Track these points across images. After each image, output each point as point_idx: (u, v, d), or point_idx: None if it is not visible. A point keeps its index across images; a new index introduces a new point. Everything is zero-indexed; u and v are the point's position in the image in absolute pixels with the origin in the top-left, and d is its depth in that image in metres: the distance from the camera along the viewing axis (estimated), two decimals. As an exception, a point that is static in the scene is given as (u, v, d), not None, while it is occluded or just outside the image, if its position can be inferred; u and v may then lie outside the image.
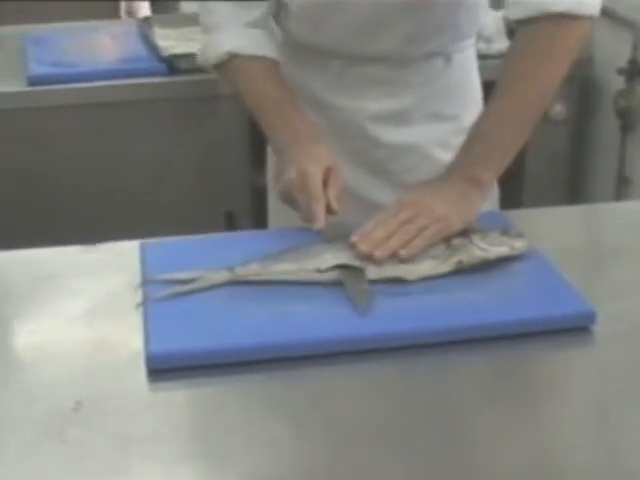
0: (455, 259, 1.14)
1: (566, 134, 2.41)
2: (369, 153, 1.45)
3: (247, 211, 2.27)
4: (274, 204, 1.60)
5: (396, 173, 1.45)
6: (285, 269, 1.13)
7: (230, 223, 2.23)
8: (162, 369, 1.00)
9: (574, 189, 2.51)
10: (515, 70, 1.28)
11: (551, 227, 1.34)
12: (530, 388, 1.01)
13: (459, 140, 1.33)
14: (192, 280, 1.12)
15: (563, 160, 2.46)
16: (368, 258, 1.13)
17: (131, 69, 2.16)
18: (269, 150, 1.58)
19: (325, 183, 1.24)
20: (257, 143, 2.20)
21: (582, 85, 2.43)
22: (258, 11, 1.38)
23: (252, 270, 1.13)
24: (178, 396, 0.99)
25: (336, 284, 1.12)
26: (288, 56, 1.43)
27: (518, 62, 1.28)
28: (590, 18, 1.26)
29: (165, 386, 1.00)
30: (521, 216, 1.36)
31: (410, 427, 0.94)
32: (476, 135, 1.29)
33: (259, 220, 2.14)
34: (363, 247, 1.13)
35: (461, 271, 1.14)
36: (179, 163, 2.21)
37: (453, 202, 1.20)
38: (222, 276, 1.12)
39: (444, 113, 1.45)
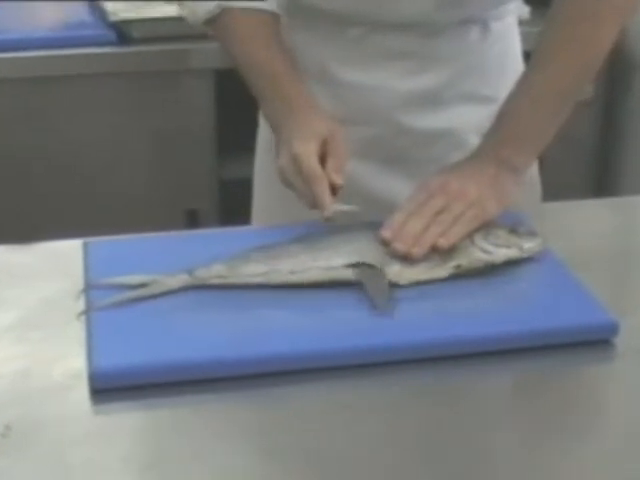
0: (453, 263, 1.16)
1: (592, 116, 2.43)
2: (387, 140, 1.44)
3: (212, 210, 2.29)
4: (260, 198, 1.59)
5: (419, 163, 1.44)
6: (254, 271, 1.14)
7: (192, 223, 2.24)
8: (108, 388, 1.01)
9: (600, 181, 2.53)
10: (557, 34, 1.29)
11: (570, 224, 1.36)
12: (547, 409, 1.03)
13: None
14: (144, 285, 1.13)
15: (588, 147, 2.49)
16: (405, 257, 1.15)
17: (74, 37, 2.18)
18: (260, 132, 1.57)
19: (323, 158, 1.24)
20: (225, 129, 2.23)
21: (611, 59, 2.43)
22: None
23: (215, 272, 1.14)
24: (126, 420, 1.01)
25: (314, 287, 1.14)
26: (293, 23, 1.43)
27: (560, 24, 1.29)
28: None
29: (111, 409, 1.01)
30: (536, 211, 1.38)
31: (400, 454, 0.95)
32: (508, 111, 1.30)
33: (225, 220, 2.15)
34: (399, 246, 1.16)
35: (461, 275, 1.16)
36: (132, 150, 2.22)
37: (485, 185, 1.23)
38: (179, 280, 1.14)
39: (481, 93, 1.45)
